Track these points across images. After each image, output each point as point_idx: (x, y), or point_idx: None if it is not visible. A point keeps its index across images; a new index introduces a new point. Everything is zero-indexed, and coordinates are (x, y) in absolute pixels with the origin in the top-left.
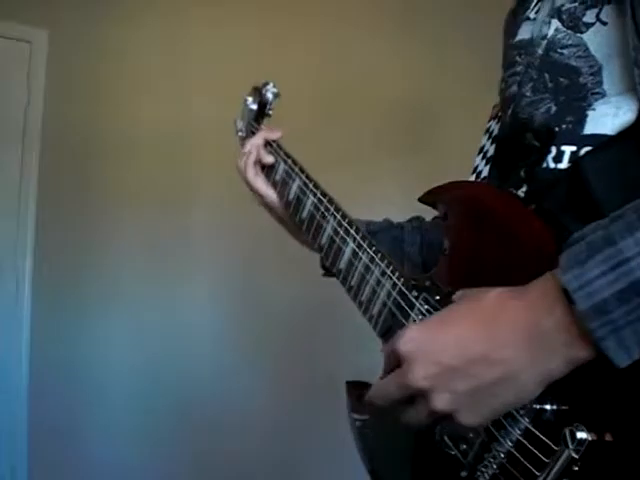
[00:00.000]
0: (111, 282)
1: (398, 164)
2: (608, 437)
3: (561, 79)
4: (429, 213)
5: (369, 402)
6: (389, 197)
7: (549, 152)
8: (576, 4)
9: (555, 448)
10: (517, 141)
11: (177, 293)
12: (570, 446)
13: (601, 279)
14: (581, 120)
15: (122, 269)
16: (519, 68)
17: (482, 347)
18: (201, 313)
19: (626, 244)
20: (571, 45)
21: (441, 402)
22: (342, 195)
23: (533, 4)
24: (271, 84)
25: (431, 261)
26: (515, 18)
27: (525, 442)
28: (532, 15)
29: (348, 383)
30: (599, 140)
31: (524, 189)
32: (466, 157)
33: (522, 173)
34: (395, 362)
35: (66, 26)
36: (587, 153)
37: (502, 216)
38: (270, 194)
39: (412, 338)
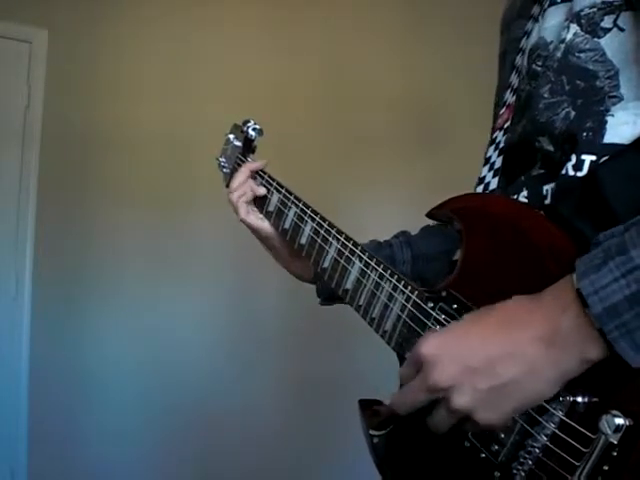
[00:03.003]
0: (111, 282)
1: (403, 167)
2: None
3: (578, 82)
4: (422, 221)
5: (392, 411)
6: (395, 200)
7: (569, 160)
8: (595, 9)
9: (592, 436)
10: (528, 145)
11: (177, 293)
12: (609, 432)
13: (613, 285)
14: (601, 128)
15: (122, 269)
16: (539, 69)
17: (503, 346)
18: (201, 313)
19: (637, 252)
20: (589, 49)
21: (461, 400)
22: (347, 197)
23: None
24: (252, 121)
25: (427, 272)
26: (518, 15)
27: (561, 434)
28: (536, 13)
29: (361, 401)
30: (618, 150)
31: (525, 194)
32: (472, 160)
33: (522, 177)
34: (418, 367)
35: (66, 26)
36: (604, 161)
37: (519, 225)
38: (264, 226)
39: (433, 342)
